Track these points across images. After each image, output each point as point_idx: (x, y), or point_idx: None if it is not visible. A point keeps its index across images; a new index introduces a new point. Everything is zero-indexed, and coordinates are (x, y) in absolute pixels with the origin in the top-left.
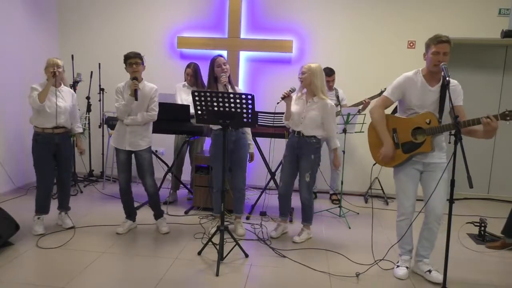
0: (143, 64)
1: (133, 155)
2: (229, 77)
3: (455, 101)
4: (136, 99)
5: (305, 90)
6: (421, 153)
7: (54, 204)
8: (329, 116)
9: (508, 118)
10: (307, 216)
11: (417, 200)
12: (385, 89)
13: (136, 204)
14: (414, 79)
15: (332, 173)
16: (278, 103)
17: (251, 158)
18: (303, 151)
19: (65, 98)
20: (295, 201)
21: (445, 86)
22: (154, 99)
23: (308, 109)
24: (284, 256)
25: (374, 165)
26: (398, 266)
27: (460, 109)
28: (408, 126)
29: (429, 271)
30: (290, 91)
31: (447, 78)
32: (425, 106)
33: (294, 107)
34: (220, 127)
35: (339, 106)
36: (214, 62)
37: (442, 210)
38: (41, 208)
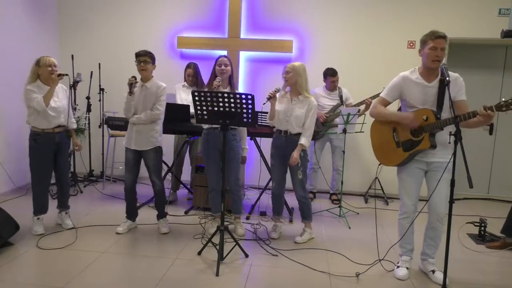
0: (153, 63)
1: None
2: (230, 77)
3: (457, 94)
4: (130, 94)
5: (288, 88)
6: (421, 151)
7: (53, 203)
8: (311, 114)
9: (504, 108)
10: (306, 214)
11: (420, 200)
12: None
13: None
14: (411, 77)
15: (333, 172)
16: (264, 103)
17: (242, 161)
18: (292, 149)
19: (59, 96)
20: (294, 201)
21: (443, 81)
22: (160, 98)
23: (293, 108)
24: (284, 256)
25: (379, 165)
26: (398, 267)
27: (463, 104)
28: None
29: (433, 271)
30: (275, 91)
31: (447, 78)
32: (426, 103)
33: (278, 106)
34: (210, 126)
35: (342, 105)
36: (217, 61)
37: (444, 209)
38: (40, 208)
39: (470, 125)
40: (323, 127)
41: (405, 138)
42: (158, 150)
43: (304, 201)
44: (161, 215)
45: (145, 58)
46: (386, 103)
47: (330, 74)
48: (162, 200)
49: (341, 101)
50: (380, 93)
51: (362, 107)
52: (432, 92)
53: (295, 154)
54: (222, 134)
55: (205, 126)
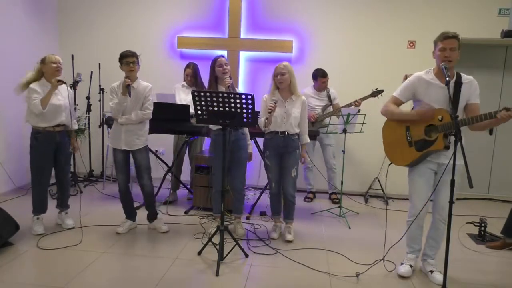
0: (138, 63)
1: (130, 155)
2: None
3: (471, 97)
4: (130, 95)
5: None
6: (434, 151)
7: (53, 203)
8: (305, 112)
9: None
10: (291, 214)
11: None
12: (376, 89)
13: (136, 204)
14: (425, 77)
15: (328, 172)
16: (267, 118)
17: (249, 157)
18: (289, 149)
19: (63, 94)
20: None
21: (458, 82)
22: (148, 98)
23: (289, 109)
24: (284, 256)
25: (390, 165)
26: (402, 264)
27: (475, 107)
28: (420, 123)
29: (431, 271)
30: (275, 103)
31: (447, 78)
32: (438, 103)
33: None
34: (219, 127)
35: (331, 106)
36: (215, 62)
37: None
38: (39, 208)
39: (482, 127)
40: (312, 126)
41: (418, 138)
42: (148, 149)
43: (293, 200)
44: (153, 216)
45: (133, 59)
46: (399, 103)
47: (321, 75)
48: (152, 201)
49: (330, 101)
50: (370, 94)
51: (353, 107)
52: (445, 93)
53: (305, 155)
54: (231, 134)
55: (214, 128)
